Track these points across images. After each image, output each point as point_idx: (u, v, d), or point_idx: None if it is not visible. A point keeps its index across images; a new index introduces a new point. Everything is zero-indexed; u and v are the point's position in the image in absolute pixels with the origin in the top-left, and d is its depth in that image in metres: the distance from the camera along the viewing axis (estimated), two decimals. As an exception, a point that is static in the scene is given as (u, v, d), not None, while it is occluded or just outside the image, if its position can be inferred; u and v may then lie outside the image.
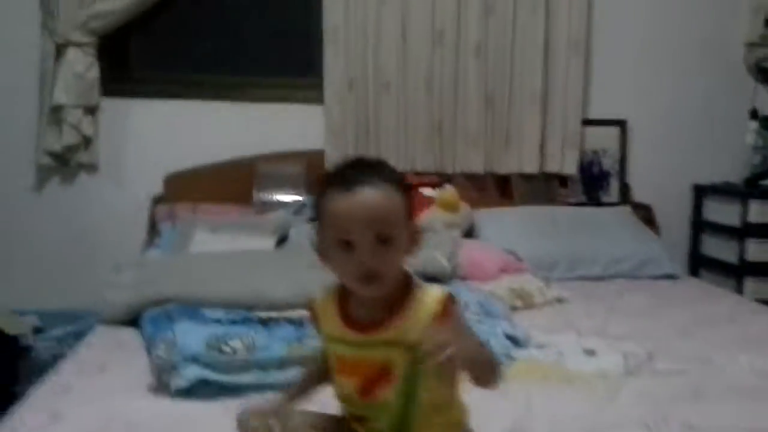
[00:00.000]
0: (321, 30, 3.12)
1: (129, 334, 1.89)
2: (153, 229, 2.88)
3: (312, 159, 3.13)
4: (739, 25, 3.39)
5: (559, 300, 2.39)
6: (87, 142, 3.03)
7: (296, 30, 3.29)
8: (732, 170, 3.38)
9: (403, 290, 1.10)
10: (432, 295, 1.10)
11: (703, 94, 3.39)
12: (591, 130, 3.33)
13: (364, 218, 1.05)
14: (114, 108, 3.09)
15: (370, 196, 1.06)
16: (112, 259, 3.04)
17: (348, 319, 1.12)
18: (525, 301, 2.31)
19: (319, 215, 1.12)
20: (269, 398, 1.22)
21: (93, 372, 1.62)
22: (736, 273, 3.09)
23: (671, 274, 2.84)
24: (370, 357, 1.09)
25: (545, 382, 1.65)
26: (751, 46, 3.37)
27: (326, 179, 1.13)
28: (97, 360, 1.70)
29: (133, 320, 1.96)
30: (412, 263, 1.94)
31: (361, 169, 1.11)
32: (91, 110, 3.02)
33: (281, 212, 2.81)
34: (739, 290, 3.05)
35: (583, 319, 2.21)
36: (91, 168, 3.10)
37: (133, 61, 3.20)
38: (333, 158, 3.15)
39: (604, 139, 3.37)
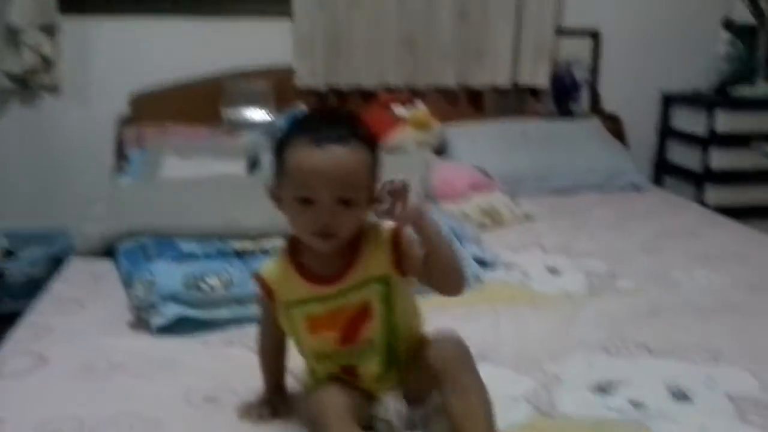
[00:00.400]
0: (288, -60, 3.00)
1: (104, 267, 1.92)
2: (121, 153, 2.85)
3: (280, 76, 3.09)
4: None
5: (527, 217, 2.45)
6: (48, 63, 2.95)
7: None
8: (701, 79, 3.39)
9: (358, 235, 1.12)
10: (382, 227, 1.13)
11: (676, 3, 3.34)
12: (563, 42, 3.30)
13: (329, 180, 1.05)
14: (74, 27, 2.98)
15: (337, 156, 1.06)
16: (80, 181, 3.07)
17: (311, 276, 1.13)
18: (494, 220, 2.37)
19: (281, 163, 1.11)
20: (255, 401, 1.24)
21: (72, 310, 1.65)
22: (699, 181, 3.17)
23: (637, 185, 2.90)
24: (347, 303, 1.12)
25: (512, 304, 1.73)
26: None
27: (297, 126, 1.12)
28: (74, 296, 1.73)
29: (107, 252, 1.99)
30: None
31: (332, 124, 1.10)
32: (50, 30, 2.91)
33: (251, 134, 2.78)
34: (701, 197, 3.14)
35: (549, 235, 2.28)
36: (54, 90, 3.03)
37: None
38: (302, 74, 3.11)
39: (576, 49, 3.34)
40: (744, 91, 3.22)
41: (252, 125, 2.93)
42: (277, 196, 1.14)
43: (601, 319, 1.64)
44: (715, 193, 3.12)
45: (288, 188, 1.09)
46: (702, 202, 3.09)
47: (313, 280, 1.13)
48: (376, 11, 3.09)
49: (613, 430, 1.19)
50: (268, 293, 1.18)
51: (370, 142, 1.12)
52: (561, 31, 3.29)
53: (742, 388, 1.30)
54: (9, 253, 2.81)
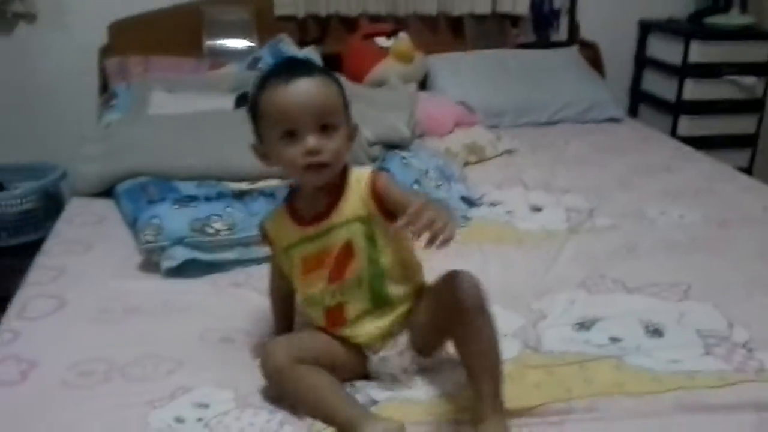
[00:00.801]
0: None
1: (105, 207, 1.98)
2: (104, 86, 2.84)
3: (260, 4, 3.06)
4: None
5: (509, 152, 2.54)
6: (22, -10, 2.88)
7: None
8: (678, 7, 3.44)
9: (341, 179, 1.21)
10: (361, 173, 1.22)
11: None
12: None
13: (306, 105, 1.12)
14: (48, -48, 2.90)
15: (308, 84, 1.13)
16: (63, 111, 3.07)
17: (301, 219, 1.23)
18: (478, 155, 2.46)
19: (258, 115, 1.17)
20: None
21: (81, 251, 1.72)
22: (673, 110, 3.27)
23: (614, 117, 3.00)
24: (332, 242, 1.21)
25: (498, 243, 1.84)
26: None
27: (261, 80, 1.18)
28: (81, 238, 1.79)
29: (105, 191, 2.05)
30: (376, 132, 2.05)
31: (294, 64, 1.19)
32: (23, -44, 2.83)
33: (235, 66, 2.79)
34: (675, 127, 3.25)
35: (530, 170, 2.37)
36: (30, 18, 2.97)
37: None
38: (281, 2, 3.08)
39: (556, -24, 3.35)
40: (719, 20, 3.28)
41: (234, 54, 2.93)
42: (262, 152, 1.21)
43: (580, 257, 1.76)
44: (688, 123, 3.23)
45: (270, 132, 1.15)
46: (675, 132, 3.21)
47: (302, 222, 1.22)
48: (357, -64, 3.04)
49: (593, 364, 1.31)
50: (268, 242, 1.28)
51: (333, 76, 1.20)
52: (542, -42, 3.29)
53: (709, 324, 1.44)
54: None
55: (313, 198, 1.22)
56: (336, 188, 1.21)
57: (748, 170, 3.33)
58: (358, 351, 1.25)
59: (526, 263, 1.73)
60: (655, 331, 1.42)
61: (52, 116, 3.07)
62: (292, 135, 1.13)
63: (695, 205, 2.07)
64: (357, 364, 1.24)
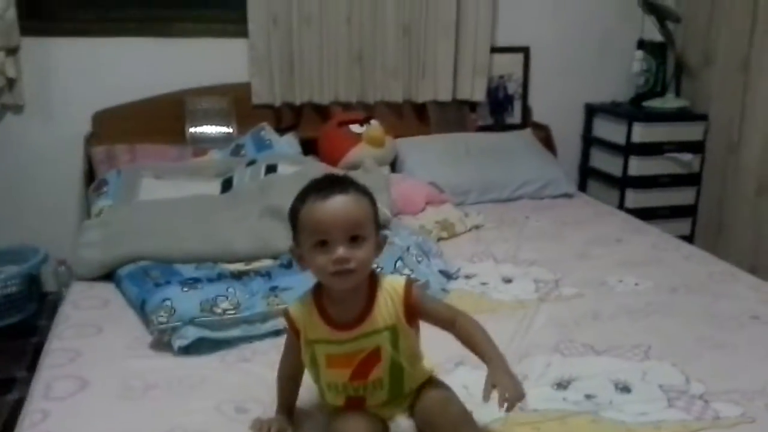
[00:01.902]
0: (241, -36, 3.17)
1: (107, 291, 2.10)
2: (90, 173, 2.97)
3: (239, 92, 3.28)
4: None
5: (477, 227, 2.76)
6: (11, 83, 3.03)
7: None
8: (620, 91, 3.80)
9: (371, 286, 1.35)
10: (394, 283, 1.37)
11: (598, 24, 3.71)
12: (498, 57, 3.62)
13: (338, 219, 1.26)
14: (35, 48, 3.07)
15: (342, 200, 1.28)
16: (46, 197, 3.18)
17: (331, 322, 1.33)
18: (449, 231, 2.66)
19: (296, 225, 1.32)
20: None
21: (93, 333, 1.84)
22: (620, 184, 3.57)
23: (568, 193, 3.26)
24: (360, 348, 1.34)
25: (476, 312, 1.97)
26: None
27: (302, 194, 1.33)
28: (91, 321, 1.91)
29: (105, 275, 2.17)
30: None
31: (332, 181, 1.33)
32: (13, 51, 2.99)
33: (219, 153, 2.97)
34: (622, 200, 3.54)
35: (498, 244, 2.59)
36: (17, 109, 3.11)
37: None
38: (258, 91, 3.30)
39: (509, 65, 3.67)
40: (656, 103, 3.63)
41: (215, 141, 3.11)
42: (299, 255, 1.34)
43: (551, 323, 1.96)
44: (634, 196, 3.52)
45: (306, 241, 1.29)
46: (623, 204, 3.50)
47: (333, 326, 1.33)
48: (326, 29, 3.30)
49: (573, 419, 1.49)
50: (294, 330, 1.39)
51: (365, 191, 1.35)
52: (495, 49, 3.61)
53: (669, 380, 1.64)
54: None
55: (344, 303, 1.33)
56: (365, 295, 1.33)
57: (689, 237, 3.63)
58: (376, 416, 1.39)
59: (503, 330, 1.89)
60: (624, 388, 1.61)
61: (36, 202, 3.19)
62: (324, 244, 1.26)
63: (648, 274, 2.31)
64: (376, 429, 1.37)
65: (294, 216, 1.33)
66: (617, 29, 3.74)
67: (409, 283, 1.38)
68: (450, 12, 3.40)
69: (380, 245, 1.35)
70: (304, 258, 1.32)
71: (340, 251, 1.25)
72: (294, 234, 1.35)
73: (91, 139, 3.09)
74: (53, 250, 3.11)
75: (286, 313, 1.40)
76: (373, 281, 1.36)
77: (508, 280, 2.26)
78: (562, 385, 1.63)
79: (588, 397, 1.58)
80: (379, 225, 1.37)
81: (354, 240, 1.27)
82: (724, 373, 1.67)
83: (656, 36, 3.65)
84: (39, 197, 3.20)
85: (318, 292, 1.38)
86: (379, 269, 2.04)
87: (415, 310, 1.36)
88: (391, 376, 1.37)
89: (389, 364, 1.36)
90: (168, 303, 1.77)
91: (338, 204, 1.27)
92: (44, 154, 3.16)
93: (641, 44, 3.66)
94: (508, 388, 1.24)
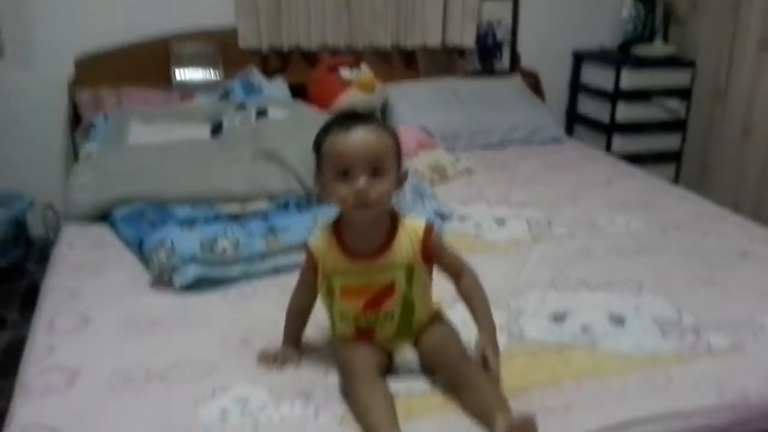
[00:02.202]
0: None
1: (102, 233, 2.09)
2: (76, 117, 2.93)
3: (225, 36, 3.22)
4: None
5: (468, 171, 2.77)
6: (-11, 27, 2.96)
7: None
8: (608, 38, 3.79)
9: (392, 223, 1.37)
10: (415, 223, 1.39)
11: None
12: (486, 4, 3.58)
13: (360, 151, 1.28)
14: (14, -10, 2.98)
15: (365, 133, 1.29)
16: (30, 142, 3.13)
17: (349, 252, 1.36)
18: (440, 175, 2.67)
19: (319, 156, 1.34)
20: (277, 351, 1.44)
21: (90, 273, 1.84)
22: (607, 130, 3.59)
23: (556, 137, 3.28)
24: (377, 280, 1.36)
25: (471, 252, 2.03)
26: None
27: (326, 126, 1.35)
28: (87, 261, 1.90)
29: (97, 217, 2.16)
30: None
31: (356, 116, 1.35)
32: (-9, -6, 2.91)
33: (207, 98, 2.93)
34: (609, 145, 3.57)
35: (489, 188, 2.61)
36: (-3, 54, 3.04)
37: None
38: (245, 36, 3.25)
39: (498, 11, 3.64)
40: (644, 49, 3.63)
41: (202, 86, 3.07)
42: (321, 186, 1.35)
43: (545, 261, 2.00)
44: (620, 142, 3.55)
45: (328, 172, 1.32)
46: (609, 150, 3.53)
47: (352, 257, 1.36)
48: (314, -27, 3.24)
49: (571, 350, 1.53)
50: (312, 262, 1.40)
51: (388, 127, 1.37)
52: (485, -6, 3.57)
53: (662, 313, 1.68)
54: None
55: (363, 236, 1.35)
56: (385, 230, 1.36)
57: (674, 182, 3.67)
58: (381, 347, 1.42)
59: (499, 268, 1.94)
60: (618, 320, 1.65)
61: (21, 147, 3.13)
62: (345, 175, 1.28)
63: (638, 215, 2.34)
64: (381, 359, 1.40)
65: (317, 148, 1.35)
66: (606, -26, 3.72)
67: (430, 225, 1.40)
68: (439, -44, 3.35)
69: (401, 181, 1.37)
70: (326, 189, 1.34)
71: (361, 182, 1.27)
72: (317, 166, 1.36)
73: (75, 84, 3.04)
74: (40, 195, 3.08)
75: (306, 247, 1.42)
76: (394, 218, 1.38)
77: (501, 222, 2.29)
78: (558, 318, 1.67)
79: (584, 329, 1.62)
80: (401, 161, 1.38)
81: (375, 173, 1.29)
82: (714, 306, 1.71)
83: (645, -19, 3.63)
84: (24, 142, 3.14)
85: (338, 224, 1.39)
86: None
87: (430, 252, 1.39)
88: (402, 310, 1.40)
89: (401, 300, 1.39)
90: (168, 242, 1.77)
91: (361, 136, 1.29)
92: (27, 99, 3.09)
93: (631, -11, 3.65)
94: (492, 359, 1.33)
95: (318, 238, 1.41)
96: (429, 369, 1.41)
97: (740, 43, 3.29)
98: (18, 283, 2.83)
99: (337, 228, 1.39)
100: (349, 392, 1.31)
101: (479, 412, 1.26)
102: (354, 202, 1.29)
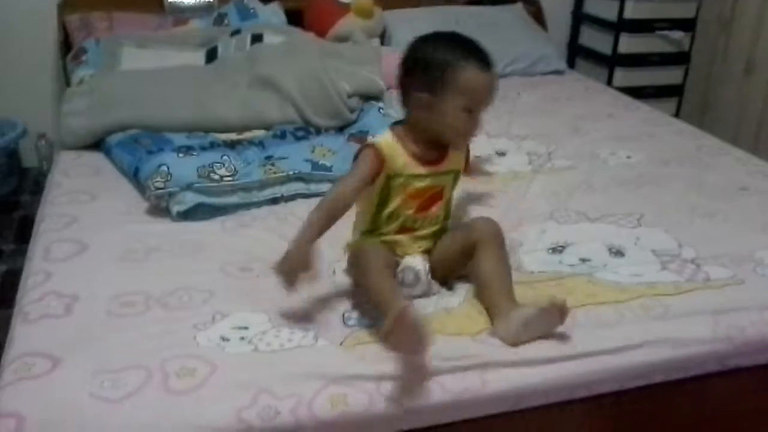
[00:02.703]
0: None
1: (97, 160, 2.06)
2: (66, 42, 2.84)
3: (218, -42, 3.10)
4: None
5: (469, 101, 2.72)
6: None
7: None
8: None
9: None
10: None
11: None
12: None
13: (492, 95, 1.41)
14: None
15: (495, 78, 1.42)
16: (21, 67, 3.05)
17: (416, 157, 1.43)
18: (440, 105, 2.62)
19: (444, 78, 1.35)
20: (293, 248, 1.33)
21: (87, 200, 1.81)
22: (609, 63, 3.52)
23: (558, 69, 3.22)
24: (434, 184, 1.46)
25: (473, 183, 2.03)
26: None
27: (458, 52, 1.38)
28: (82, 188, 1.88)
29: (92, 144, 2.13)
30: (354, 84, 2.20)
31: (479, 48, 1.43)
32: None
33: (201, 22, 2.85)
34: (610, 78, 3.51)
35: (489, 119, 2.54)
36: (-17, -26, 2.93)
37: None
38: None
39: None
40: (650, -22, 3.52)
41: (194, 10, 2.98)
42: (427, 102, 1.37)
43: (545, 193, 1.98)
44: (622, 75, 3.49)
45: (456, 100, 1.36)
46: (611, 83, 3.47)
47: (420, 161, 1.43)
48: None
49: (568, 280, 1.53)
50: (379, 161, 1.41)
51: None
52: None
53: (661, 245, 1.68)
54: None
55: (428, 144, 1.43)
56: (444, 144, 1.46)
57: (674, 117, 3.63)
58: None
59: (499, 199, 1.93)
60: (618, 252, 1.65)
61: (11, 74, 3.05)
62: (470, 111, 1.37)
63: (639, 147, 2.32)
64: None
65: (443, 68, 1.36)
66: None
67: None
68: None
69: None
70: (434, 108, 1.37)
71: (479, 124, 1.42)
72: (429, 80, 1.37)
73: (64, 7, 2.94)
74: (32, 125, 3.02)
75: (372, 145, 1.43)
76: None
77: (501, 153, 2.26)
78: (557, 249, 1.67)
79: (583, 260, 1.62)
80: None
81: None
82: (714, 240, 1.71)
83: None
84: (14, 69, 3.06)
85: (399, 131, 1.45)
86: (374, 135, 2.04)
87: (468, 160, 1.60)
88: (444, 214, 1.52)
89: (445, 204, 1.51)
90: (164, 168, 1.74)
91: (495, 80, 1.42)
92: (15, 24, 3.00)
93: None
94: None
95: (385, 140, 1.43)
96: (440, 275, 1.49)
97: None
98: (11, 215, 2.80)
99: (402, 136, 1.44)
100: (362, 281, 1.38)
101: (489, 308, 1.38)
102: (465, 135, 1.44)
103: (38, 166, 3.08)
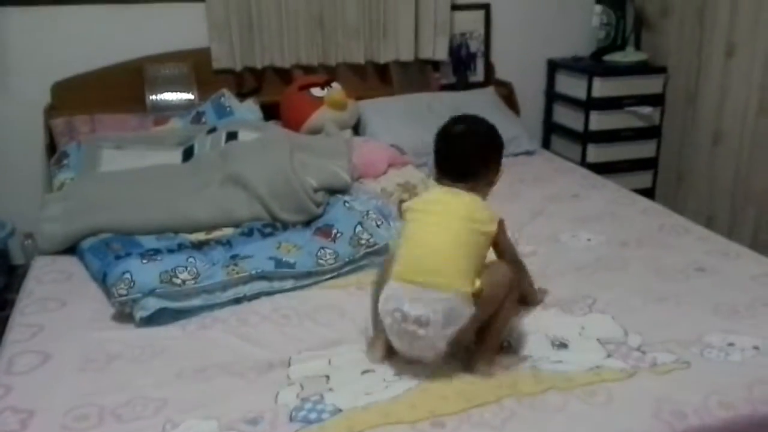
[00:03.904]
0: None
1: (70, 264, 2.13)
2: (52, 144, 2.96)
3: (199, 57, 3.26)
4: None
5: (438, 187, 2.80)
6: (-35, 56, 3.00)
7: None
8: (581, 46, 3.82)
9: None
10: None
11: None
12: (459, 15, 3.62)
13: None
14: (-10, 18, 3.03)
15: None
16: (8, 170, 3.17)
17: None
18: (411, 193, 2.70)
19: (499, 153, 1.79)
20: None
21: (55, 308, 1.88)
22: (582, 140, 3.62)
23: (529, 150, 3.31)
24: None
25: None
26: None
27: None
28: (53, 295, 1.94)
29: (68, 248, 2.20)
30: (320, 179, 2.27)
31: None
32: (-35, 23, 2.95)
33: (179, 121, 2.97)
34: (584, 154, 3.60)
35: (458, 204, 2.63)
36: (-27, 81, 3.09)
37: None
38: (218, 56, 3.29)
39: (470, 22, 3.68)
40: (616, 56, 3.66)
41: (176, 107, 3.11)
42: (493, 177, 1.75)
43: (504, 280, 2.03)
44: (595, 151, 3.58)
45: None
46: (585, 159, 3.57)
47: None
48: (285, -8, 3.28)
49: (514, 372, 1.56)
50: None
51: None
52: (456, 6, 3.60)
53: (607, 333, 1.71)
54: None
55: None
56: None
57: (651, 189, 3.72)
58: None
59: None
60: (561, 345, 1.68)
61: (0, 175, 3.17)
62: None
63: (601, 229, 2.38)
64: None
65: (500, 146, 1.79)
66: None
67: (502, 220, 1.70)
68: (409, -29, 3.39)
69: None
70: (493, 181, 1.76)
71: None
72: (497, 160, 1.75)
73: (50, 111, 3.08)
74: (20, 224, 3.12)
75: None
76: None
77: (465, 240, 2.32)
78: (502, 345, 1.69)
79: (527, 356, 1.64)
80: None
81: None
82: (662, 325, 1.75)
83: (615, -11, 3.66)
84: (3, 171, 3.18)
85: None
86: (339, 234, 2.11)
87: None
88: None
89: None
90: (128, 275, 1.81)
91: None
92: (5, 127, 3.14)
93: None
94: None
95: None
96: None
97: (708, 49, 3.32)
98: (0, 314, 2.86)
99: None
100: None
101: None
102: None
103: (26, 263, 3.16)
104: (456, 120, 1.80)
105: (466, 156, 1.70)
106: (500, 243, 1.70)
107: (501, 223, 1.68)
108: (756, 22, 3.05)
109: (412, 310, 1.50)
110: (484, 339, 1.59)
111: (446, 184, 1.70)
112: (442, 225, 1.60)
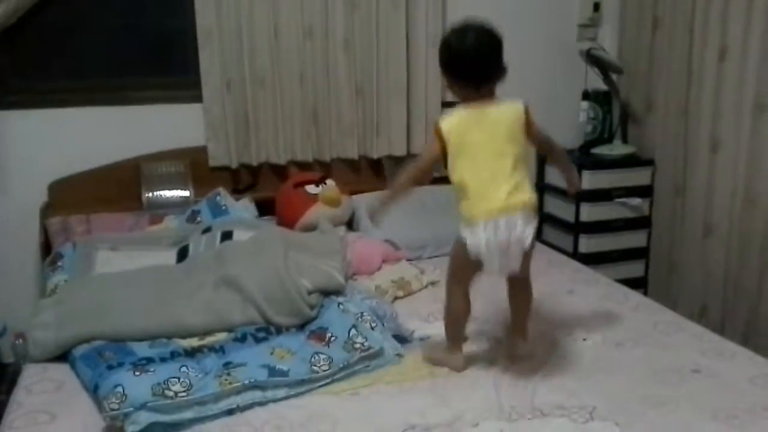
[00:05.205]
0: (196, 30, 3.23)
1: (62, 373, 2.09)
2: (47, 244, 2.97)
3: (195, 155, 3.32)
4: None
5: (433, 284, 2.81)
6: (-36, 157, 3.04)
7: (170, 30, 3.39)
8: (569, 140, 3.90)
9: None
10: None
11: (544, 75, 3.84)
12: (449, 111, 3.70)
13: None
14: (-12, 120, 3.09)
15: None
16: (5, 270, 3.17)
17: None
18: (405, 290, 2.71)
19: None
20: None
21: (45, 422, 1.83)
22: (573, 231, 3.66)
23: (522, 243, 3.34)
24: None
25: (431, 377, 2.06)
26: (581, 27, 3.88)
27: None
28: (42, 407, 1.90)
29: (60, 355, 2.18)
30: (315, 280, 2.27)
31: None
32: (-34, 126, 3.01)
33: (175, 220, 2.99)
34: (576, 245, 3.63)
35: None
36: (-28, 182, 3.12)
37: (2, 71, 3.17)
38: (215, 154, 3.35)
39: (461, 118, 3.76)
40: (604, 150, 3.75)
41: (172, 205, 3.14)
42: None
43: (502, 383, 2.01)
44: (587, 242, 3.62)
45: None
46: (577, 249, 3.59)
47: None
48: (280, 92, 3.36)
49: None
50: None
51: None
52: (446, 103, 3.70)
53: (610, 442, 1.69)
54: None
55: None
56: None
57: (644, 279, 3.73)
58: None
59: (460, 395, 1.96)
60: (569, 454, 1.66)
61: (-9, 272, 3.17)
62: None
63: (596, 328, 2.37)
64: None
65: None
66: (562, 80, 3.88)
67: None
68: (400, 73, 3.50)
69: None
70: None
71: None
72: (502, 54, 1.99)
73: (46, 210, 3.10)
74: (12, 322, 3.09)
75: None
76: None
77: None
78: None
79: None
80: None
81: None
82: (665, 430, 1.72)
83: (601, 85, 3.78)
84: (-2, 269, 3.19)
85: None
86: (333, 337, 2.11)
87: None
88: None
89: None
90: (119, 389, 1.78)
91: None
92: (2, 226, 3.15)
93: (586, 95, 3.79)
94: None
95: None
96: None
97: (693, 143, 3.40)
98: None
99: None
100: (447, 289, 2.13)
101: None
102: None
103: (16, 362, 3.12)
104: (461, 31, 1.98)
105: (489, 57, 1.95)
106: (532, 123, 2.05)
107: (527, 110, 2.04)
108: (739, 117, 3.14)
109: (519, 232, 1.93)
110: (516, 324, 2.15)
111: (471, 98, 2.00)
112: (497, 150, 1.97)
